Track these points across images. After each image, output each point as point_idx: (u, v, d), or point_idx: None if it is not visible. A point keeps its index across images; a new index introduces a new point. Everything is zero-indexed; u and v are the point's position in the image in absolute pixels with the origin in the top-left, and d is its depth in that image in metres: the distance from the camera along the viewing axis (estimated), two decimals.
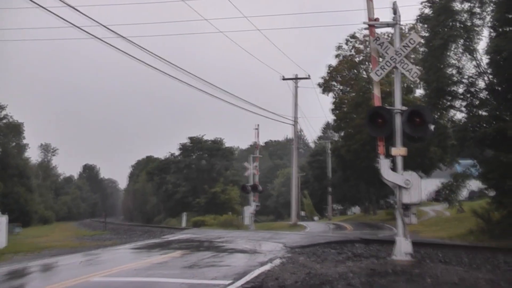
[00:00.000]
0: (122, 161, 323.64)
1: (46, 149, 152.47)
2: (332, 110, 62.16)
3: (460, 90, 27.88)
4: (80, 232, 50.60)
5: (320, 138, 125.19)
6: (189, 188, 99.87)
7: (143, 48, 24.99)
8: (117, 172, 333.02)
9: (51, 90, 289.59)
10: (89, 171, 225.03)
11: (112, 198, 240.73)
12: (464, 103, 28.11)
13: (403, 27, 52.09)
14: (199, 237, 30.30)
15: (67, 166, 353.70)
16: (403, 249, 14.91)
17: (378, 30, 17.32)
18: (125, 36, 23.84)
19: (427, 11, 27.53)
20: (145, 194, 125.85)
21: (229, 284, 11.18)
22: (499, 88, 26.31)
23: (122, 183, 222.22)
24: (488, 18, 26.43)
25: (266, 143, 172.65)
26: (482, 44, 27.28)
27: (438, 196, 62.61)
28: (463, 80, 27.58)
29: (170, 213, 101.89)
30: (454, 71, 27.69)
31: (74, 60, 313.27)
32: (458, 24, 26.55)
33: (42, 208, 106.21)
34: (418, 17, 28.29)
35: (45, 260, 18.99)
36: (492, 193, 28.48)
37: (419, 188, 15.14)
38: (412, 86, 51.45)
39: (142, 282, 12.17)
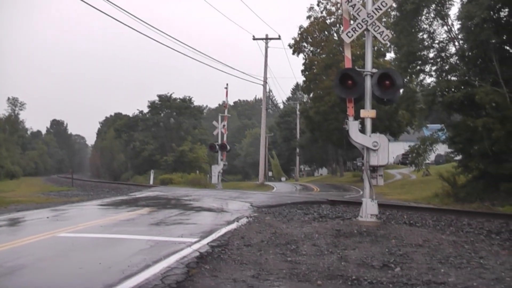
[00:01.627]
0: (91, 117, 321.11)
1: (13, 103, 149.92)
2: (302, 71, 62.27)
3: (431, 55, 28.08)
4: (47, 188, 50.15)
5: (289, 99, 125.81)
6: (157, 146, 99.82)
7: (112, 3, 24.66)
8: (85, 128, 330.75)
9: (19, 43, 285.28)
10: (57, 127, 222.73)
11: (80, 154, 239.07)
12: (434, 68, 28.32)
13: None
14: (167, 195, 30.25)
15: (35, 121, 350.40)
16: (369, 210, 15.02)
17: None
18: None
19: None
20: (112, 151, 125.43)
21: (195, 242, 11.18)
22: (469, 54, 26.48)
23: (91, 139, 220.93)
24: None
25: (235, 102, 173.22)
26: (453, 9, 27.45)
27: (405, 159, 63.55)
28: (434, 45, 27.74)
29: (137, 170, 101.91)
30: (425, 36, 27.83)
31: (44, 14, 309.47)
32: None
33: (9, 163, 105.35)
34: None
35: (12, 214, 18.80)
36: (458, 157, 28.90)
37: (387, 150, 15.21)
38: (383, 49, 51.68)
39: (108, 239, 12.12)
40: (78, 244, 11.38)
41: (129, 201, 25.72)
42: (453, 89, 25.92)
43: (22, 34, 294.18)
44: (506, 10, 25.16)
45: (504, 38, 25.08)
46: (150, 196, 29.84)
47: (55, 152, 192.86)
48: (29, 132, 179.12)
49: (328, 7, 60.36)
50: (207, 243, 11.09)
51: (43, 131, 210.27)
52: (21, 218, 17.63)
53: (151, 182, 62.76)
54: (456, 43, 27.30)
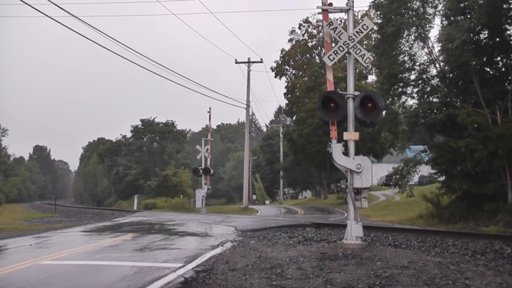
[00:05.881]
0: (74, 143, 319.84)
1: None
2: (285, 94, 62.61)
3: (412, 77, 28.26)
4: (30, 215, 49.85)
5: (272, 122, 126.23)
6: (140, 171, 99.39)
7: (95, 28, 24.64)
8: (69, 153, 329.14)
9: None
10: (40, 153, 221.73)
11: (63, 180, 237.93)
12: (415, 90, 28.50)
13: (357, 13, 52.68)
14: (150, 220, 30.13)
15: (18, 147, 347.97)
16: (353, 233, 14.97)
17: (332, 15, 17.22)
18: (77, 15, 23.44)
19: None
20: (96, 176, 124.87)
21: (180, 267, 11.11)
22: (450, 75, 26.70)
23: (74, 165, 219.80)
24: (440, 6, 26.78)
25: (218, 126, 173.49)
26: (434, 32, 27.74)
27: (388, 181, 63.76)
28: (415, 67, 27.94)
29: (121, 195, 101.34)
30: (406, 58, 28.02)
31: (25, 37, 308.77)
32: (410, 12, 26.81)
33: None
34: (372, 4, 28.44)
35: None
36: (441, 178, 29.01)
37: (370, 172, 15.19)
38: (365, 72, 52.03)
39: (91, 265, 12.01)
40: (62, 272, 11.25)
41: (112, 227, 25.57)
42: (435, 111, 26.05)
43: (3, 57, 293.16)
44: (486, 32, 25.43)
45: (484, 59, 25.30)
46: (134, 221, 29.68)
47: (38, 178, 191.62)
48: (11, 159, 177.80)
49: (309, 30, 60.89)
50: (192, 268, 11.02)
51: (26, 157, 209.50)
52: (3, 246, 17.45)
53: (135, 207, 62.52)
54: (437, 65, 27.52)
